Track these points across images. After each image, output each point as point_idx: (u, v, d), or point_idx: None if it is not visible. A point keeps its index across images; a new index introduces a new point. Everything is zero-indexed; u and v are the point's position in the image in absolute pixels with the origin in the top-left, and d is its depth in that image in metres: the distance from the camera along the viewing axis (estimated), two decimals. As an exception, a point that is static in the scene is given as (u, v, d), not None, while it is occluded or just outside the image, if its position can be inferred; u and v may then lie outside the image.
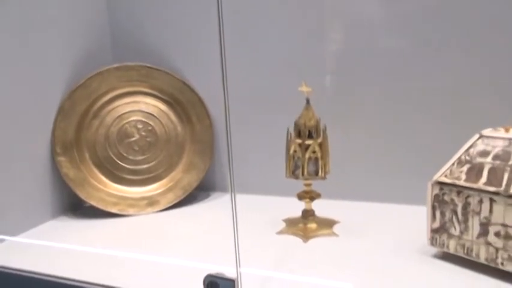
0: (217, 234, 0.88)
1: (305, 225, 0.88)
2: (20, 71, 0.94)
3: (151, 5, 1.14)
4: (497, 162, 0.65)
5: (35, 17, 0.97)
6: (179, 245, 0.86)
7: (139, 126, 1.08)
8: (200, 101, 1.10)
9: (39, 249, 0.87)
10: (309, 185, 0.87)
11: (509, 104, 0.85)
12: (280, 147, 0.87)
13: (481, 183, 0.65)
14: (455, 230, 0.69)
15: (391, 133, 0.97)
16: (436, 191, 0.70)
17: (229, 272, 0.61)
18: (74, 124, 1.04)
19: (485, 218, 0.65)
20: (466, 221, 0.67)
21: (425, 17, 0.91)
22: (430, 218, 0.72)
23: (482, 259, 0.67)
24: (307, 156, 0.83)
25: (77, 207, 1.09)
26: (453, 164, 0.70)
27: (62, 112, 1.03)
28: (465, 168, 0.68)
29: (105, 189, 1.05)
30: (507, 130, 0.69)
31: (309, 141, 0.83)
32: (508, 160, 0.64)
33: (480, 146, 0.68)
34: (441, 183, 0.70)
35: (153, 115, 1.09)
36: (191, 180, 1.09)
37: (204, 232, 0.92)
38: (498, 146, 0.67)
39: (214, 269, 0.62)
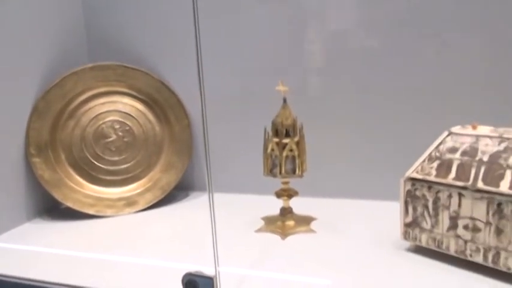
0: (196, 234, 0.89)
1: (283, 222, 0.89)
2: (-8, 71, 0.92)
3: (128, 3, 1.13)
4: (465, 158, 0.68)
5: (7, 16, 0.95)
6: (158, 246, 0.86)
7: (117, 126, 1.07)
8: (178, 100, 1.10)
9: (14, 252, 0.86)
10: (287, 183, 0.88)
11: (476, 103, 0.89)
12: (258, 146, 0.88)
13: (450, 178, 0.68)
14: (427, 224, 0.72)
15: (365, 131, 0.99)
16: (408, 186, 0.73)
17: (208, 271, 0.62)
18: (48, 125, 1.02)
19: (455, 211, 0.68)
20: (436, 215, 0.70)
21: (400, 17, 0.93)
22: (402, 213, 0.74)
23: (452, 251, 0.69)
24: (284, 155, 0.84)
25: (52, 209, 1.07)
26: (424, 160, 0.72)
27: (36, 112, 1.01)
28: (435, 164, 0.71)
29: (82, 191, 1.04)
30: (474, 127, 0.72)
31: (286, 140, 0.84)
32: (475, 156, 0.67)
33: (449, 143, 0.71)
34: (413, 179, 0.72)
35: (130, 115, 1.08)
36: (170, 180, 1.09)
37: (183, 232, 0.92)
38: (466, 143, 0.69)
39: (193, 269, 0.63)
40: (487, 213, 0.64)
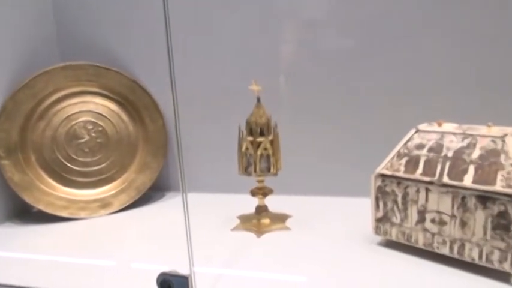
0: (171, 234, 0.88)
1: (259, 220, 0.90)
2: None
3: (99, 2, 1.11)
4: (432, 154, 0.70)
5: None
6: (132, 247, 0.85)
7: (89, 127, 1.06)
8: (152, 100, 1.09)
9: (-16, 257, 0.83)
10: (262, 181, 0.89)
11: (442, 101, 0.92)
12: (232, 145, 0.88)
13: (418, 174, 0.70)
14: (397, 219, 0.74)
15: (338, 130, 1.01)
16: (379, 182, 0.75)
17: (184, 271, 0.62)
18: (18, 126, 0.99)
19: (422, 206, 0.70)
20: (405, 209, 0.72)
21: (372, 18, 0.96)
22: (374, 208, 0.77)
23: (420, 244, 0.72)
24: (259, 153, 0.85)
25: (24, 212, 1.04)
26: (393, 157, 0.75)
27: (5, 113, 0.98)
28: (404, 160, 0.73)
29: (54, 193, 1.02)
30: (440, 125, 0.74)
31: (260, 139, 0.85)
32: (441, 152, 0.70)
33: (417, 140, 0.74)
34: (383, 176, 0.74)
35: (103, 115, 1.07)
36: (145, 180, 1.08)
37: (158, 232, 0.92)
38: (432, 139, 0.72)
39: (168, 269, 0.63)
40: (452, 206, 0.66)
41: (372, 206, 0.77)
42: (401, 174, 0.72)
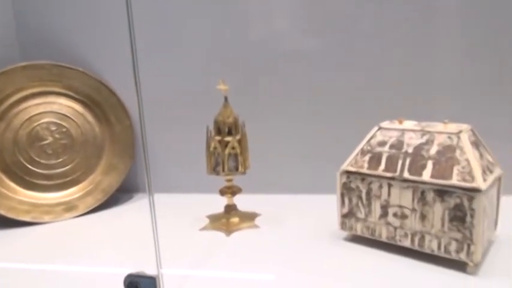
0: (139, 236, 0.87)
1: (228, 219, 0.90)
2: None
3: (62, 0, 1.08)
4: (393, 150, 0.73)
5: None
6: (99, 251, 0.84)
7: (53, 128, 1.03)
8: (119, 101, 1.07)
9: None
10: (230, 180, 0.89)
11: (402, 100, 0.95)
12: (201, 145, 0.88)
13: (380, 170, 0.73)
14: (361, 214, 0.76)
15: (305, 128, 1.03)
16: (344, 179, 0.77)
17: (152, 272, 0.62)
18: (-25, 128, 0.96)
19: (385, 200, 0.73)
20: (369, 204, 0.75)
21: (337, 19, 0.98)
22: (339, 204, 0.79)
23: (384, 238, 0.74)
24: (227, 153, 0.85)
25: (-17, 218, 1.00)
26: (357, 154, 0.77)
27: (-39, 115, 0.94)
28: (367, 157, 0.75)
29: (16, 197, 0.98)
30: (400, 122, 0.77)
31: (228, 138, 0.85)
32: (401, 148, 0.72)
33: (379, 137, 0.76)
34: (348, 172, 0.76)
35: (67, 116, 1.04)
36: (112, 182, 1.06)
37: (126, 235, 0.90)
38: (393, 137, 0.75)
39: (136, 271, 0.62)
40: (413, 200, 0.69)
41: (338, 202, 0.79)
42: (365, 170, 0.74)
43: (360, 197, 0.76)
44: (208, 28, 1.04)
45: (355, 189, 0.76)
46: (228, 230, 0.87)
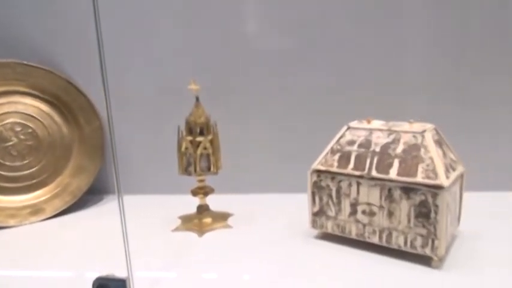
0: (110, 238, 0.85)
1: (200, 220, 0.90)
2: None
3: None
4: (362, 149, 0.75)
5: None
6: (67, 255, 0.81)
7: (18, 129, 0.99)
8: (88, 101, 1.05)
9: None
10: (202, 180, 0.89)
11: (371, 100, 0.98)
12: (172, 145, 0.87)
13: (350, 168, 0.74)
14: (332, 212, 0.78)
15: (276, 128, 1.04)
16: (314, 178, 0.78)
17: (123, 274, 0.61)
18: None
19: (354, 198, 0.74)
20: (339, 203, 0.76)
21: (306, 20, 0.99)
22: (310, 203, 0.80)
23: (353, 235, 0.76)
24: (198, 153, 0.85)
25: None
26: (327, 153, 0.78)
27: None
28: (337, 156, 0.77)
29: (-22, 201, 0.95)
30: (369, 122, 0.79)
31: (199, 138, 0.85)
32: (369, 147, 0.74)
33: (348, 136, 0.78)
34: (318, 171, 0.78)
35: (33, 116, 1.01)
36: (80, 184, 1.04)
37: (95, 237, 0.88)
38: (362, 136, 0.77)
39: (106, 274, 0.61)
40: (380, 198, 0.71)
41: (309, 200, 0.80)
42: (334, 169, 0.76)
43: (330, 196, 0.77)
44: (179, 27, 1.03)
45: (325, 188, 0.77)
46: (201, 231, 0.87)
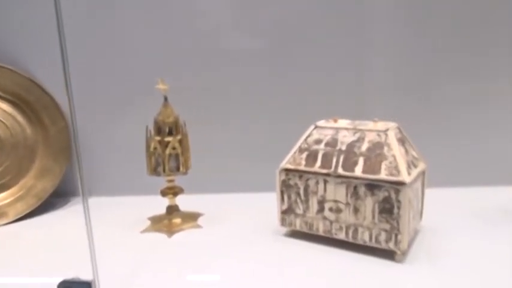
0: (76, 242, 0.83)
1: (170, 220, 0.89)
2: None
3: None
4: (328, 148, 0.77)
5: None
6: (31, 259, 0.79)
7: (-23, 130, 0.96)
8: (52, 101, 1.02)
9: None
10: (172, 181, 0.88)
11: (337, 100, 1.00)
12: (141, 145, 0.86)
13: (317, 167, 0.76)
14: (300, 210, 0.79)
15: (246, 128, 1.05)
16: (283, 177, 0.79)
17: (89, 278, 0.60)
18: None
19: (321, 196, 0.76)
20: (307, 200, 0.78)
21: (276, 21, 1.00)
22: (279, 201, 0.81)
23: (321, 232, 0.78)
24: (167, 153, 0.84)
25: None
26: (295, 152, 0.80)
27: None
28: (304, 155, 0.78)
29: None
30: (335, 121, 0.81)
31: (168, 138, 0.85)
32: (336, 146, 0.76)
33: (315, 135, 0.79)
34: (287, 170, 0.79)
35: (-6, 117, 0.98)
36: (46, 186, 1.01)
37: (60, 241, 0.86)
38: (328, 135, 0.78)
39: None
40: (346, 195, 0.73)
41: (278, 199, 0.81)
42: (302, 167, 0.77)
43: (298, 194, 0.78)
44: (147, 25, 1.02)
45: (293, 186, 0.79)
46: (170, 231, 0.86)
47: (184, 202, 0.92)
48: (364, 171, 0.71)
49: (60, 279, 0.60)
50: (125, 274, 0.72)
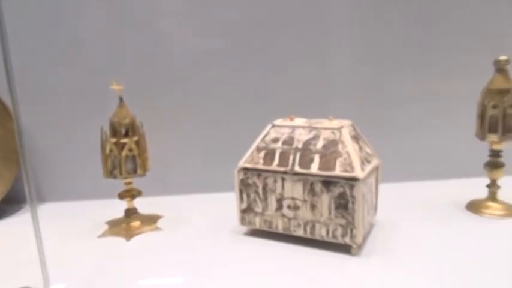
0: (27, 250, 0.79)
1: (128, 224, 0.87)
2: None
3: None
4: (285, 146, 0.78)
5: None
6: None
7: None
8: (0, 101, 0.97)
9: None
10: (129, 183, 0.87)
11: (293, 100, 1.02)
12: (97, 147, 0.84)
13: (274, 165, 0.77)
14: (259, 208, 0.79)
15: (204, 128, 1.04)
16: (242, 176, 0.80)
17: (38, 286, 0.58)
18: None
19: (280, 194, 0.77)
20: (266, 199, 0.78)
21: (233, 20, 1.01)
22: (238, 200, 0.81)
23: (280, 229, 0.79)
24: (123, 155, 0.83)
25: None
26: (253, 151, 0.80)
27: None
28: (262, 153, 0.79)
29: None
30: (291, 119, 0.82)
31: (124, 140, 0.83)
32: (292, 144, 0.77)
33: (272, 134, 0.80)
34: (245, 169, 0.79)
35: None
36: (-5, 192, 0.96)
37: (10, 249, 0.82)
38: (285, 133, 0.79)
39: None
40: (303, 192, 0.74)
41: (237, 198, 0.81)
42: (260, 166, 0.78)
43: (257, 192, 0.79)
44: (102, 24, 0.99)
45: (252, 185, 0.79)
46: (129, 235, 0.84)
47: (143, 205, 0.91)
48: (319, 168, 0.73)
49: (9, 289, 0.58)
50: (80, 280, 0.69)
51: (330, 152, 0.73)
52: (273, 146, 0.79)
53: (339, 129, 0.75)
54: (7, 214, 0.99)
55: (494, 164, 0.87)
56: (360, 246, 0.74)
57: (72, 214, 0.96)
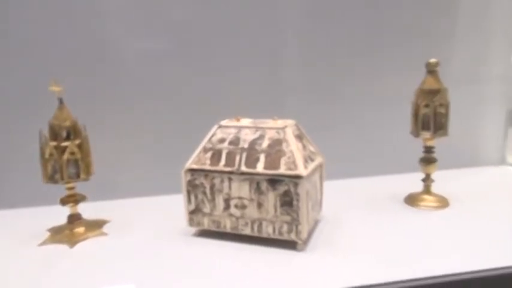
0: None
1: (71, 230, 0.84)
2: None
3: None
4: (232, 146, 0.79)
5: None
6: None
7: None
8: None
9: None
10: (72, 188, 0.84)
11: (240, 100, 1.03)
12: (35, 152, 0.80)
13: (221, 165, 0.77)
14: (207, 209, 0.80)
15: (151, 130, 1.03)
16: (189, 177, 0.80)
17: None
18: None
19: (227, 194, 0.78)
20: (213, 199, 0.79)
21: (179, 21, 1.00)
22: (186, 202, 0.81)
23: (228, 229, 0.79)
24: (65, 158, 0.80)
25: None
26: (200, 152, 0.80)
27: None
28: (209, 154, 0.79)
29: None
30: (238, 120, 0.84)
31: (65, 143, 0.80)
32: (238, 144, 0.78)
33: (219, 135, 0.81)
34: (192, 170, 0.79)
35: None
36: None
37: None
38: (232, 133, 0.80)
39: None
40: (250, 191, 0.76)
41: (185, 200, 0.81)
42: (207, 167, 0.78)
43: (205, 193, 0.79)
44: (40, 23, 0.95)
45: (199, 186, 0.79)
46: (71, 242, 0.81)
47: (88, 210, 0.88)
48: (265, 167, 0.74)
49: None
50: (18, 291, 0.66)
51: (274, 151, 0.75)
52: (219, 146, 0.79)
53: (283, 128, 0.77)
54: None
55: (427, 159, 0.93)
56: (305, 242, 0.76)
57: (11, 222, 0.91)
